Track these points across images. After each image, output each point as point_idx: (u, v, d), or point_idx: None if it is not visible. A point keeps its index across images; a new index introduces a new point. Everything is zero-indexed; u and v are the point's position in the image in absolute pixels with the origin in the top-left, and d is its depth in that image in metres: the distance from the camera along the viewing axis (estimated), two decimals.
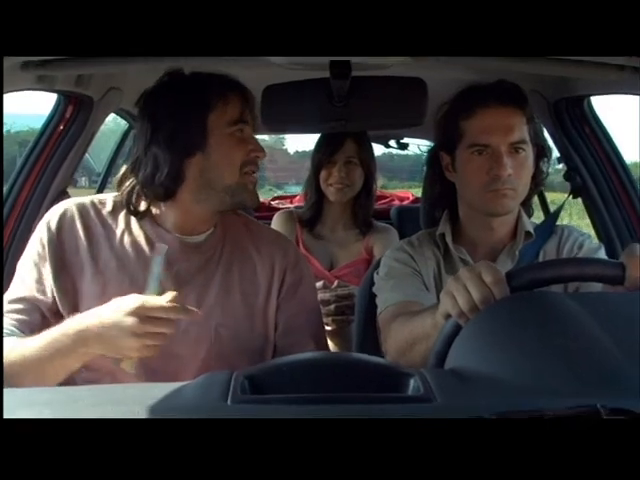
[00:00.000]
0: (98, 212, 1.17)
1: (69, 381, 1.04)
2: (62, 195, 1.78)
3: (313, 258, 1.92)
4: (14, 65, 1.06)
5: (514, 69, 1.21)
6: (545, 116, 1.74)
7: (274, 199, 3.36)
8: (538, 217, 1.63)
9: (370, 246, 1.96)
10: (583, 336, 0.71)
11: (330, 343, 1.69)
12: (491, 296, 0.86)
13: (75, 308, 1.11)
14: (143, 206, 1.16)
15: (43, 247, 1.13)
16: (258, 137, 1.23)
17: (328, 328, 1.69)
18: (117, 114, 2.16)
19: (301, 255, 1.31)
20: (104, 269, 1.13)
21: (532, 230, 1.29)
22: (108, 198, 1.19)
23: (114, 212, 1.17)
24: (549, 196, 2.33)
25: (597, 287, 1.00)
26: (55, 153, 1.74)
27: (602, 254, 1.27)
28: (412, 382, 0.66)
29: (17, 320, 1.10)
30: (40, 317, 1.11)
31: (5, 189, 1.72)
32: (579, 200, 1.85)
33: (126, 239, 1.15)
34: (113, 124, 2.62)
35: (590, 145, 1.76)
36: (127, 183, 1.15)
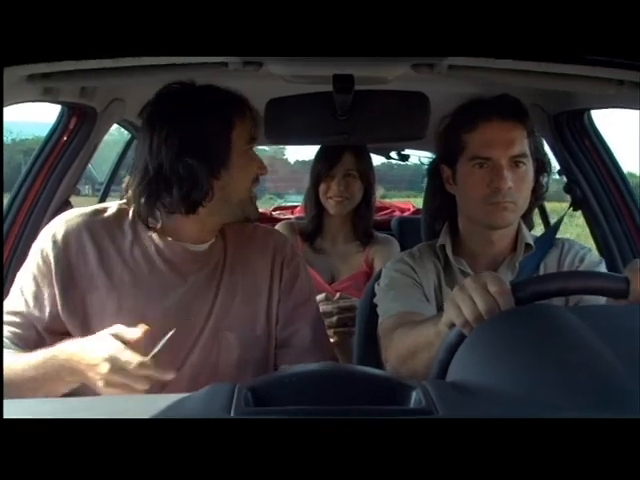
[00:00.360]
0: (104, 222, 1.15)
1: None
2: (65, 205, 1.79)
3: (314, 272, 1.92)
4: (20, 77, 1.07)
5: (515, 83, 1.22)
6: (545, 129, 1.75)
7: (275, 209, 3.37)
8: (539, 230, 1.64)
9: (371, 258, 1.96)
10: (584, 349, 0.72)
11: None
12: (496, 306, 0.86)
13: (85, 323, 1.09)
14: (158, 218, 1.15)
15: (46, 262, 1.10)
16: (259, 147, 1.26)
17: (330, 340, 1.69)
18: (120, 125, 2.18)
19: (296, 248, 1.34)
20: (119, 284, 1.12)
21: (532, 242, 1.30)
22: (112, 207, 1.18)
23: (120, 222, 1.16)
24: (547, 206, 2.34)
25: (599, 301, 1.01)
26: (59, 163, 1.75)
27: (603, 268, 1.28)
28: (414, 395, 0.66)
29: (13, 333, 1.09)
30: (35, 334, 1.10)
31: (8, 198, 1.73)
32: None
33: (137, 251, 1.14)
34: (117, 134, 2.64)
35: (590, 158, 1.77)
36: (139, 195, 1.12)
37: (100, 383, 0.95)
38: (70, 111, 1.72)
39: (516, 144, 1.22)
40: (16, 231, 1.69)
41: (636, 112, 1.37)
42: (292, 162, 9.60)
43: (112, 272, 1.12)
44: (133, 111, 1.92)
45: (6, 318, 1.09)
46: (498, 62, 1.00)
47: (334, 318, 1.73)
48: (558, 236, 1.37)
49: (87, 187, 2.67)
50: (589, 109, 1.72)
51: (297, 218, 2.63)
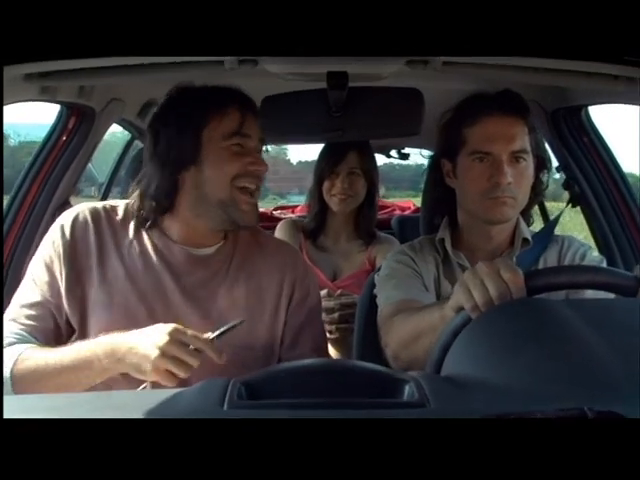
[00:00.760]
0: (110, 219, 1.17)
1: None
2: (65, 205, 1.79)
3: (316, 269, 1.92)
4: (17, 76, 1.07)
5: (511, 79, 1.23)
6: (543, 125, 1.75)
7: (276, 209, 3.37)
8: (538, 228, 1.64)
9: (373, 257, 1.96)
10: (578, 342, 0.72)
11: (333, 351, 1.69)
12: (508, 293, 0.86)
13: (83, 315, 1.11)
14: (149, 217, 1.16)
15: (57, 251, 1.13)
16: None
17: (331, 336, 1.69)
18: (119, 124, 2.18)
19: (308, 266, 1.32)
20: (112, 278, 1.13)
21: (530, 237, 1.30)
22: (120, 205, 1.20)
23: (125, 220, 1.18)
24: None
25: (589, 295, 1.01)
26: (58, 163, 1.76)
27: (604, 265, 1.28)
28: (407, 388, 0.66)
29: (30, 326, 1.09)
30: (53, 324, 1.11)
31: (8, 198, 1.74)
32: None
33: (135, 249, 1.15)
34: (121, 134, 2.64)
35: (588, 154, 1.77)
36: (135, 194, 1.17)
37: (153, 356, 0.95)
38: (69, 111, 1.73)
39: (517, 139, 1.22)
40: (16, 231, 1.70)
41: (634, 107, 1.37)
42: (294, 163, 9.62)
43: (108, 267, 1.14)
44: (132, 111, 1.94)
45: (21, 312, 1.10)
46: (493, 58, 1.01)
47: (335, 314, 1.73)
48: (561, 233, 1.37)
49: (93, 189, 2.66)
50: (586, 105, 1.72)
51: (298, 217, 2.63)
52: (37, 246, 1.20)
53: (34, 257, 1.17)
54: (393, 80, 1.30)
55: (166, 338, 0.96)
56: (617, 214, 1.76)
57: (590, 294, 1.05)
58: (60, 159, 1.75)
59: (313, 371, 0.72)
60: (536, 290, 0.86)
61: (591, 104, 1.70)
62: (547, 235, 1.35)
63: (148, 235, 1.16)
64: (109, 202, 1.22)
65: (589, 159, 1.77)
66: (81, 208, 1.18)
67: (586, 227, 1.91)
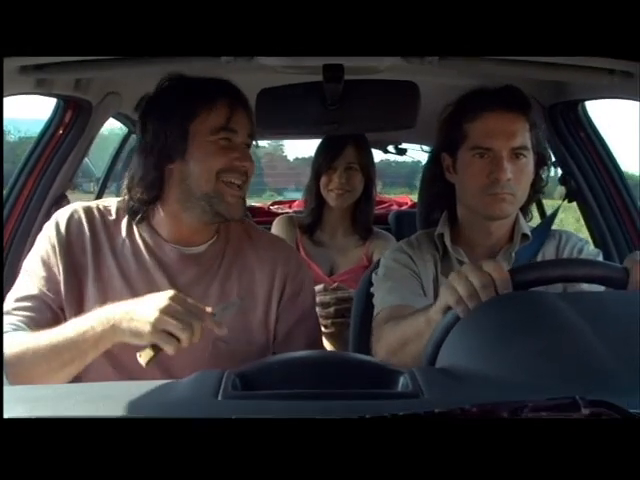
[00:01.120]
0: (103, 218, 1.18)
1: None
2: (61, 199, 1.79)
3: (313, 264, 1.92)
4: (13, 69, 1.07)
5: (507, 74, 1.22)
6: (540, 120, 1.75)
7: (273, 204, 3.37)
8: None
9: (370, 252, 1.96)
10: (571, 334, 0.72)
11: (329, 345, 1.70)
12: (492, 284, 0.87)
13: (79, 311, 1.10)
14: (139, 209, 1.16)
15: (53, 247, 1.13)
16: (260, 143, 1.23)
17: (327, 330, 1.69)
18: (116, 118, 2.17)
19: (302, 262, 1.31)
20: (106, 276, 1.14)
21: (529, 233, 1.30)
22: (112, 204, 1.20)
23: (117, 219, 1.18)
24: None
25: (583, 288, 1.02)
26: (54, 157, 1.75)
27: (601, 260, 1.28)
28: (402, 379, 0.67)
29: (26, 317, 1.09)
30: (50, 314, 1.11)
31: (4, 192, 1.73)
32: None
33: (128, 248, 1.16)
34: (119, 131, 2.64)
35: (585, 149, 1.77)
36: (126, 187, 1.17)
37: (147, 327, 0.94)
38: (65, 104, 1.72)
39: (518, 136, 1.22)
40: (12, 225, 1.69)
41: (633, 107, 1.37)
42: (291, 159, 9.62)
43: (103, 266, 1.14)
44: (129, 105, 1.93)
45: (16, 305, 1.10)
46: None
47: (332, 309, 1.73)
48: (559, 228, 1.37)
49: (92, 184, 2.65)
50: (583, 100, 1.72)
51: (295, 212, 2.63)
52: (33, 240, 1.20)
53: (30, 253, 1.17)
54: (389, 74, 1.30)
55: (167, 301, 0.95)
56: (613, 209, 1.76)
57: (586, 288, 1.05)
58: (56, 153, 1.74)
59: (308, 363, 0.73)
60: (523, 285, 0.87)
61: (588, 99, 1.70)
62: (545, 230, 1.35)
63: (140, 233, 1.17)
64: (102, 202, 1.22)
65: (586, 154, 1.77)
66: (75, 207, 1.18)
67: (579, 223, 1.91)
